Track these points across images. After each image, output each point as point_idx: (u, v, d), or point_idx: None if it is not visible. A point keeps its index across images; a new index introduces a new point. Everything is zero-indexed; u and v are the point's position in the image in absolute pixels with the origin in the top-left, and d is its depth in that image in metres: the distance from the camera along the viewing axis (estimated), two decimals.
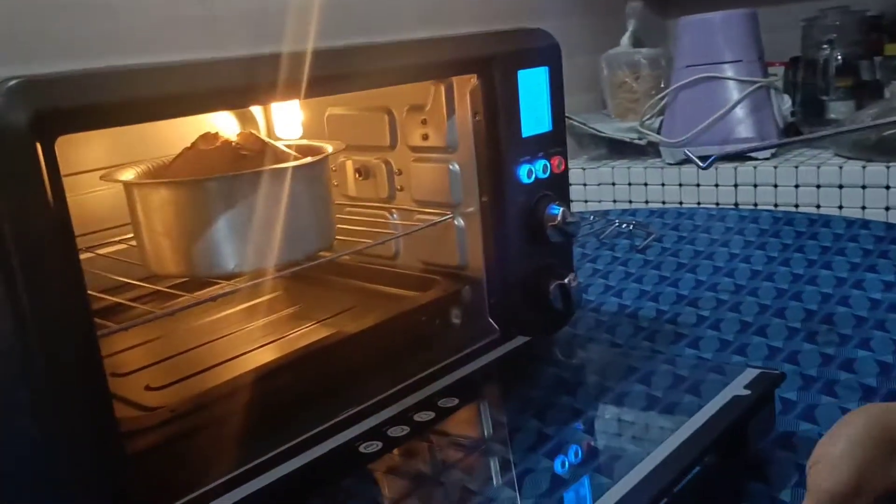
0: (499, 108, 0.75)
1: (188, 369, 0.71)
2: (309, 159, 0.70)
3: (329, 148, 0.77)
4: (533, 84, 0.78)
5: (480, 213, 0.78)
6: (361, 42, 0.64)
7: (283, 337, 0.78)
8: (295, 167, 0.68)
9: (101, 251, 0.80)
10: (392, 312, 0.78)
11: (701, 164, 1.02)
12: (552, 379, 0.76)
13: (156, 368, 0.73)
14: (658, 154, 1.56)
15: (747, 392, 0.61)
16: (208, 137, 0.72)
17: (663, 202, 1.52)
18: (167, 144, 0.77)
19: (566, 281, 0.80)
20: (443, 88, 0.78)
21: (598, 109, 1.76)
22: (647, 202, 1.53)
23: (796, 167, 1.36)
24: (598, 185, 1.58)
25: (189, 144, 0.73)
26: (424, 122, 0.81)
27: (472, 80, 0.75)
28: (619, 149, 1.62)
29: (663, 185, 1.51)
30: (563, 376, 0.78)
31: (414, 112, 0.81)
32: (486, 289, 0.80)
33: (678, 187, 1.49)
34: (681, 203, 1.49)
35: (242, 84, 0.56)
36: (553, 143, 0.81)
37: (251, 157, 0.70)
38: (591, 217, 1.26)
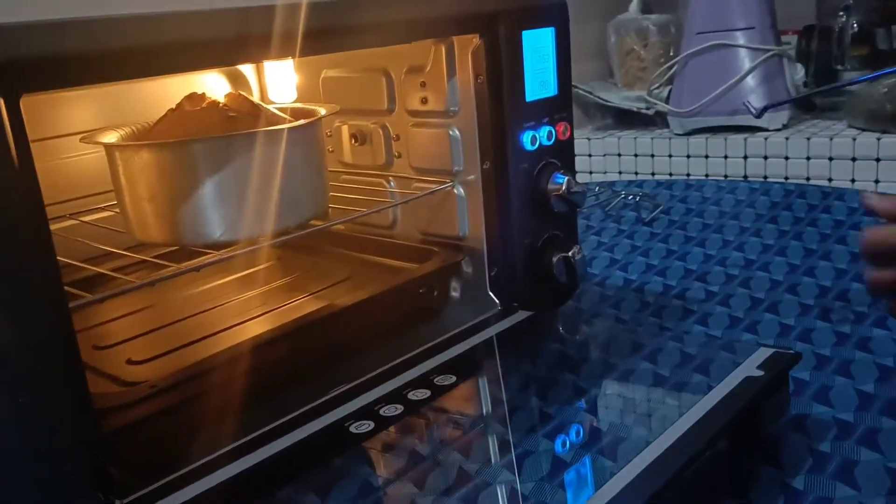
0: (502, 71, 0.71)
1: (173, 342, 0.68)
2: (300, 122, 0.66)
3: (322, 111, 0.73)
4: (538, 45, 0.74)
5: (482, 182, 0.75)
6: None
7: (275, 309, 0.75)
8: (286, 129, 0.64)
9: (86, 218, 0.77)
10: (388, 285, 0.75)
11: (755, 112, 1.00)
12: (554, 355, 0.73)
13: (140, 341, 0.70)
14: (666, 124, 1.52)
15: (760, 373, 0.58)
16: (194, 98, 0.68)
17: (670, 174, 1.48)
18: (156, 106, 0.73)
19: (570, 253, 0.77)
20: (443, 49, 0.74)
21: (604, 78, 1.71)
22: (653, 174, 1.50)
23: (808, 139, 1.32)
24: (604, 155, 1.54)
25: (175, 105, 0.70)
26: (423, 84, 0.77)
27: (475, 39, 0.71)
28: (625, 119, 1.58)
29: (671, 156, 1.47)
30: (565, 352, 0.75)
31: (413, 74, 0.77)
32: (487, 261, 0.77)
33: (686, 159, 1.45)
34: (688, 175, 1.45)
35: (228, 37, 0.52)
36: (558, 108, 0.77)
37: (240, 119, 0.66)
38: (597, 188, 1.22)
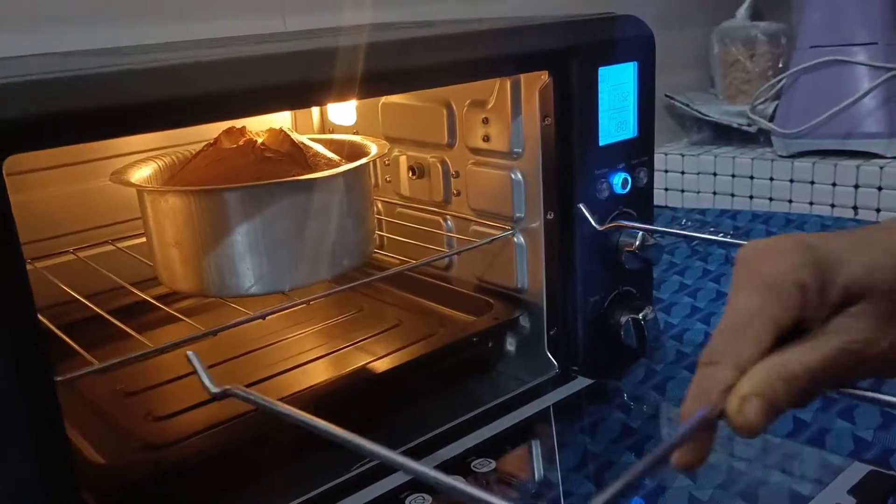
0: (573, 111, 0.64)
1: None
2: (337, 170, 0.60)
3: (372, 147, 0.67)
4: (617, 82, 0.66)
5: (544, 232, 0.67)
6: (403, 35, 0.53)
7: (315, 360, 0.70)
8: (320, 178, 0.59)
9: (126, 244, 0.73)
10: (441, 342, 0.68)
11: None
12: (616, 429, 0.65)
13: (172, 387, 0.66)
14: (769, 143, 1.39)
15: (852, 501, 0.49)
16: (232, 133, 0.63)
17: (770, 199, 1.35)
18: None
19: (641, 315, 0.69)
20: (508, 84, 0.66)
21: (704, 89, 1.59)
22: (751, 197, 1.37)
23: None
24: (698, 174, 1.43)
25: (213, 137, 0.65)
26: (486, 121, 0.69)
27: (543, 76, 0.63)
28: (725, 134, 1.46)
29: (772, 179, 1.35)
30: (629, 426, 0.67)
31: (475, 109, 0.70)
32: (546, 319, 0.69)
33: (789, 183, 1.33)
34: (790, 202, 1.33)
35: (285, 83, 0.47)
36: (637, 151, 0.69)
37: (276, 160, 0.60)
38: (685, 220, 1.12)
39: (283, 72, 0.48)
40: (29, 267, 0.69)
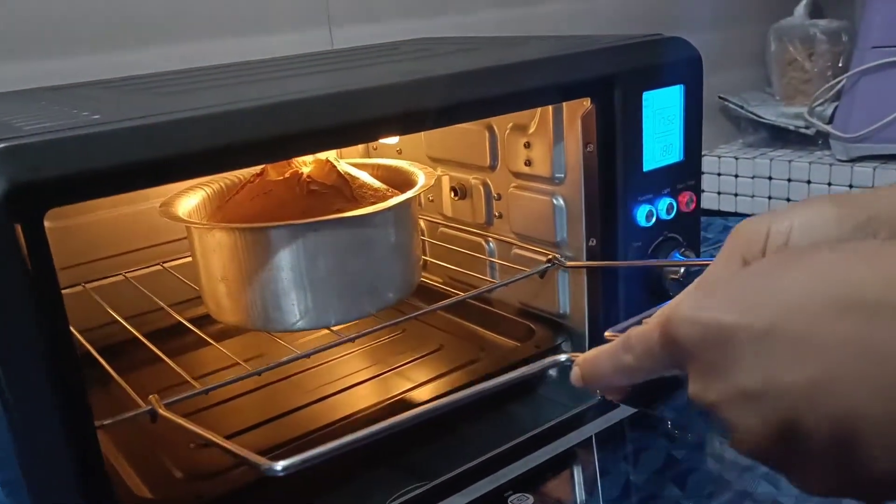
0: (616, 137, 0.62)
1: (245, 418, 0.65)
2: (382, 206, 0.60)
3: (419, 176, 0.66)
4: (662, 106, 0.64)
5: (587, 257, 0.66)
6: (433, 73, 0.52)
7: (356, 385, 0.70)
8: (369, 214, 0.59)
9: (174, 264, 0.75)
10: (481, 370, 0.68)
11: None
12: (659, 459, 0.64)
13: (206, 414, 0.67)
14: (827, 147, 1.35)
15: None
16: (279, 165, 0.64)
17: None
18: None
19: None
20: (550, 110, 0.65)
21: (761, 88, 1.55)
22: None
23: None
24: (753, 177, 1.39)
25: (261, 169, 0.65)
26: (528, 145, 0.69)
27: (585, 103, 0.62)
28: (781, 136, 1.42)
29: (830, 184, 1.30)
30: (673, 456, 0.66)
31: (517, 132, 0.69)
32: (588, 345, 0.68)
33: (848, 189, 1.28)
34: None
35: (280, 135, 0.47)
36: (683, 176, 0.67)
37: (322, 193, 0.61)
38: None
39: (329, 114, 0.48)
40: (79, 289, 0.72)
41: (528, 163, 0.69)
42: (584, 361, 0.37)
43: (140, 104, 0.56)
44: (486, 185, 0.75)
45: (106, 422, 0.45)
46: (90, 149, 0.40)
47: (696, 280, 0.34)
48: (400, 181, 0.67)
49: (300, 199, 0.61)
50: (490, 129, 0.72)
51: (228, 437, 0.60)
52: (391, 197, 0.62)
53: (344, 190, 0.62)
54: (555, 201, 0.67)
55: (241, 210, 0.62)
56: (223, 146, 0.44)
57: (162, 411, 0.48)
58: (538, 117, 0.66)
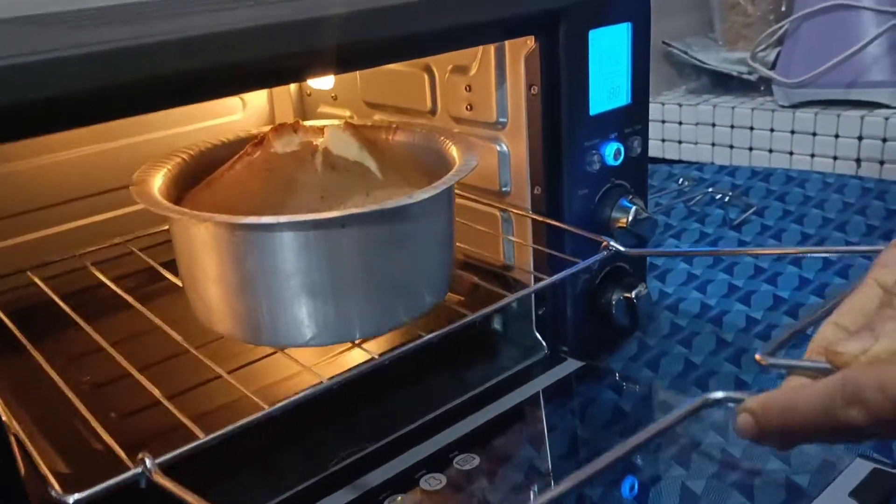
0: (561, 79, 0.59)
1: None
2: (432, 190, 0.48)
3: (470, 161, 0.53)
4: (609, 46, 0.61)
5: (531, 208, 0.63)
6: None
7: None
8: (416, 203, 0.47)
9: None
10: (425, 329, 0.65)
11: None
12: (607, 413, 0.62)
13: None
14: (770, 92, 1.34)
15: None
16: (282, 132, 0.54)
17: (770, 150, 1.31)
18: None
19: (633, 294, 0.65)
20: (492, 50, 0.61)
21: (704, 33, 1.53)
22: (750, 149, 1.33)
23: None
24: (696, 124, 1.38)
25: (256, 135, 0.58)
26: (469, 88, 0.65)
27: (529, 42, 0.59)
28: (724, 82, 1.40)
29: (772, 130, 1.30)
30: (621, 409, 0.64)
31: (457, 75, 0.66)
32: (535, 298, 0.66)
33: (790, 135, 1.28)
34: (791, 154, 1.28)
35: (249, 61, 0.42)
36: (631, 120, 0.64)
37: (343, 171, 0.51)
38: (681, 179, 1.08)
39: (257, 49, 0.43)
40: None
41: (470, 107, 0.65)
42: (765, 409, 0.31)
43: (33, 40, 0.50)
44: None
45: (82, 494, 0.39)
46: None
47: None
48: (424, 151, 0.59)
49: (315, 179, 0.50)
50: (429, 71, 0.68)
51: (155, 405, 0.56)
52: (429, 175, 0.52)
53: (371, 166, 0.52)
54: (499, 148, 0.64)
55: (238, 190, 0.51)
56: (130, 82, 0.39)
57: (157, 476, 0.39)
58: (479, 58, 0.63)
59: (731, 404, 0.34)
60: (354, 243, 0.47)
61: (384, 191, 0.51)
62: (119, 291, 0.60)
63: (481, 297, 0.67)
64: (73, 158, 0.73)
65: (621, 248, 0.60)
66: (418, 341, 0.50)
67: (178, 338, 0.53)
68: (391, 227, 0.48)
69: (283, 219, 0.45)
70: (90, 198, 0.74)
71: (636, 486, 0.54)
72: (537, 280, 0.64)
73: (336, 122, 0.57)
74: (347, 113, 0.78)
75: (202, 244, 0.48)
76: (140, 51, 0.39)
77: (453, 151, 0.56)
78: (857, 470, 0.49)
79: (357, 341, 0.52)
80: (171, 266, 0.58)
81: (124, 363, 0.52)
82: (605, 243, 0.61)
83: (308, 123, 0.55)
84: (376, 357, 0.49)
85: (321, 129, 0.55)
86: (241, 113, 0.82)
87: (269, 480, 0.54)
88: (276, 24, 0.43)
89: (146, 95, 0.40)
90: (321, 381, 0.46)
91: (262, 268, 0.46)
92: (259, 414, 0.43)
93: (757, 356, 0.37)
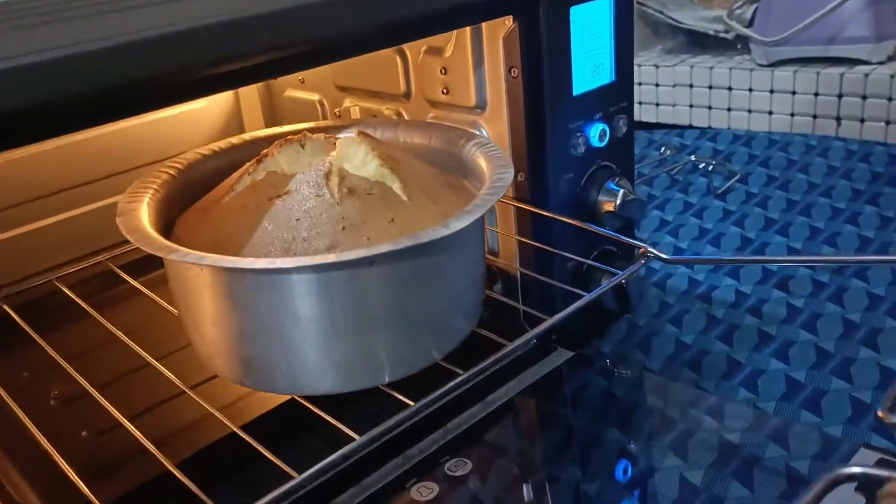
0: (542, 60, 0.56)
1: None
2: (467, 217, 0.43)
3: (505, 175, 0.48)
4: (591, 22, 0.58)
5: (515, 194, 0.61)
6: None
7: None
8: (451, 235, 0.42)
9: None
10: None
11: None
12: (598, 400, 0.60)
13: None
14: (747, 51, 1.32)
15: (861, 500, 0.45)
16: (289, 146, 0.49)
17: (749, 111, 1.29)
18: None
19: (617, 273, 0.63)
20: (468, 31, 0.58)
21: None
22: (729, 109, 1.31)
23: None
24: (674, 86, 1.35)
25: (249, 141, 0.54)
26: (444, 71, 0.62)
27: (508, 21, 0.55)
28: (700, 41, 1.38)
29: (751, 90, 1.28)
30: (613, 395, 0.62)
31: (431, 57, 0.62)
32: (521, 287, 0.64)
33: (769, 94, 1.26)
34: (770, 113, 1.26)
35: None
36: (615, 98, 0.62)
37: (363, 196, 0.45)
38: (662, 148, 1.06)
39: (211, 50, 0.39)
40: None
41: (446, 90, 0.62)
42: None
43: None
44: (400, 115, 0.68)
45: None
46: None
47: None
48: (442, 153, 0.55)
49: (333, 207, 0.44)
50: (401, 53, 0.65)
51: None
52: (454, 190, 0.48)
53: (394, 186, 0.46)
54: (478, 133, 0.61)
55: (243, 222, 0.45)
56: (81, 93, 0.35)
57: None
58: (454, 40, 0.59)
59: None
60: (383, 281, 0.42)
61: (410, 215, 0.45)
62: (82, 303, 0.57)
63: None
64: (35, 154, 0.69)
65: (663, 256, 0.54)
66: (455, 380, 0.46)
67: (143, 353, 0.51)
68: (424, 260, 0.43)
69: (302, 261, 0.39)
70: (51, 196, 0.70)
71: (632, 476, 0.52)
72: (525, 275, 0.62)
73: (348, 132, 0.52)
74: (316, 97, 0.74)
75: (207, 287, 0.43)
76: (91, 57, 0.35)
77: (477, 158, 0.51)
78: (862, 460, 0.47)
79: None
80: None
81: (81, 381, 0.49)
82: (642, 249, 0.56)
83: (315, 135, 0.50)
84: (412, 405, 0.44)
85: (332, 142, 0.50)
86: (204, 100, 0.78)
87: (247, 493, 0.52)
88: (232, 20, 0.40)
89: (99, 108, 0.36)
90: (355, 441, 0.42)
91: (278, 314, 0.42)
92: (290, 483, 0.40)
93: (879, 413, 0.36)
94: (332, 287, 0.41)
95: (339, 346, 0.43)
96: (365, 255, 0.39)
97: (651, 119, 1.36)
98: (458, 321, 0.49)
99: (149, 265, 0.55)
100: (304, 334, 0.42)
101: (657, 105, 1.38)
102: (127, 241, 0.44)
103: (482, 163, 0.51)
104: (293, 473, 0.40)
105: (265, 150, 0.49)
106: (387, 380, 0.46)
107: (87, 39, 0.35)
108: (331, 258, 0.40)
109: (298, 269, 0.40)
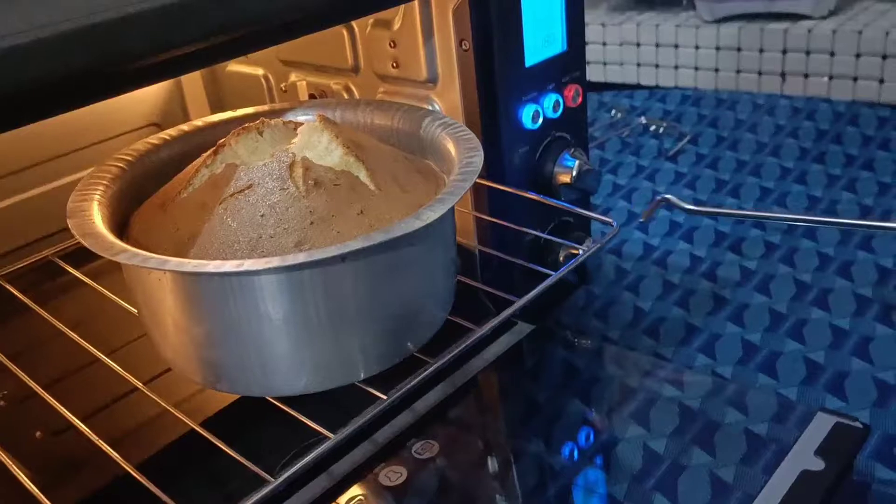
0: (493, 31, 0.55)
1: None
2: (440, 206, 0.41)
3: (474, 159, 0.46)
4: None
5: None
6: None
7: None
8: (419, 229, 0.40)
9: None
10: None
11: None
12: (559, 373, 0.61)
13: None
14: (692, 7, 1.32)
15: (820, 464, 0.46)
16: (246, 133, 0.46)
17: (696, 68, 1.29)
18: None
19: (581, 251, 0.63)
20: (416, 3, 0.56)
21: None
22: (676, 67, 1.31)
23: (860, 32, 1.12)
24: (621, 44, 1.35)
25: (202, 128, 0.52)
26: (393, 44, 0.60)
27: None
28: None
29: (697, 47, 1.28)
30: (575, 366, 0.62)
31: (379, 30, 0.60)
32: (480, 261, 0.63)
33: (715, 51, 1.26)
34: (717, 70, 1.27)
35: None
36: (568, 67, 0.61)
37: (330, 187, 0.42)
38: (613, 111, 1.05)
39: (138, 40, 0.37)
40: None
41: (396, 64, 0.60)
42: None
43: None
44: (349, 90, 0.66)
45: None
46: None
47: None
48: (404, 134, 0.53)
49: (299, 200, 0.42)
50: (349, 27, 0.62)
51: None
52: (422, 174, 0.46)
53: (360, 175, 0.44)
54: (430, 107, 0.60)
55: (205, 219, 0.43)
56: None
57: None
58: (402, 12, 0.58)
59: None
60: (356, 276, 0.41)
61: (380, 205, 0.44)
62: (23, 297, 0.54)
63: None
64: None
65: (686, 206, 0.55)
66: (427, 370, 0.45)
67: (91, 348, 0.49)
68: (398, 253, 0.42)
69: (272, 262, 0.37)
70: None
71: (596, 447, 0.53)
72: (483, 253, 0.62)
73: (307, 114, 0.50)
74: (261, 71, 0.71)
75: (170, 292, 0.41)
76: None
77: (444, 140, 0.50)
78: (820, 426, 0.48)
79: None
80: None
81: (27, 379, 0.47)
82: (615, 228, 0.55)
83: (274, 121, 0.48)
84: (384, 398, 0.43)
85: (293, 128, 0.48)
86: None
87: (213, 490, 0.51)
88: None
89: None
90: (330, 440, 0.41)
91: (248, 316, 0.40)
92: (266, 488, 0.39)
93: None
94: (304, 286, 0.40)
95: (312, 345, 0.42)
96: (336, 254, 0.38)
97: (599, 79, 1.36)
98: (434, 310, 0.47)
99: (91, 253, 0.53)
100: (276, 335, 0.41)
101: (604, 64, 1.37)
102: (64, 230, 0.42)
103: (449, 145, 0.49)
104: (267, 477, 0.39)
105: (221, 140, 0.47)
106: (362, 377, 0.45)
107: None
108: (301, 257, 0.38)
109: (268, 271, 0.38)
